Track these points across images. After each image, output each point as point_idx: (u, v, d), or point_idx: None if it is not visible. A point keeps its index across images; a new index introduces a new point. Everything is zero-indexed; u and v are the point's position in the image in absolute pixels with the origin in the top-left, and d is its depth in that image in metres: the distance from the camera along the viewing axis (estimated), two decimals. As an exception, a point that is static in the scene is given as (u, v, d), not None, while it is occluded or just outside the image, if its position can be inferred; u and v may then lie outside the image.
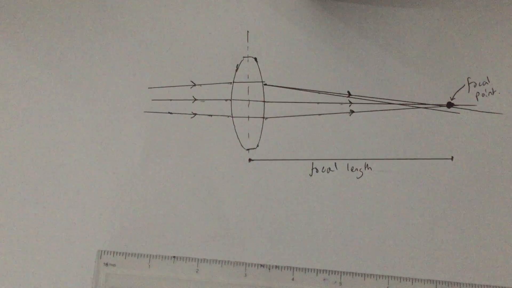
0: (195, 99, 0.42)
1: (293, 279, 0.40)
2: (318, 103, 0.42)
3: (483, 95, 0.42)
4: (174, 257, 0.41)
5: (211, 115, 0.42)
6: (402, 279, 0.40)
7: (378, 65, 0.42)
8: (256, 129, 0.42)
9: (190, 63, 0.42)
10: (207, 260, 0.41)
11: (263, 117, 0.42)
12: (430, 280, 0.40)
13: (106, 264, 0.41)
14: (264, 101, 0.42)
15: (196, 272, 0.41)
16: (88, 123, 0.42)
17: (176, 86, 0.42)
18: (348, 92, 0.42)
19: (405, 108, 0.42)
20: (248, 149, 0.42)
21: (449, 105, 0.42)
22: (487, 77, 0.42)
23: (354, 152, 0.42)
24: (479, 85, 0.42)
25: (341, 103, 0.42)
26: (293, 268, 0.41)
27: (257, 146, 0.42)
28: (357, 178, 0.42)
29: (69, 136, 0.42)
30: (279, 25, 0.42)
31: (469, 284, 0.40)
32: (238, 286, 0.40)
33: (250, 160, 0.42)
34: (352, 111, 0.42)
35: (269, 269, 0.41)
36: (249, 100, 0.42)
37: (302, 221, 0.41)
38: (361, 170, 0.42)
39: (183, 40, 0.43)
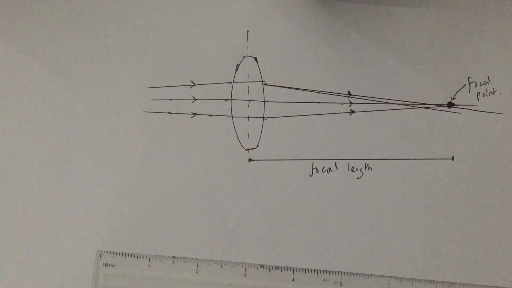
0: (195, 99, 0.42)
1: (293, 280, 0.40)
2: (318, 103, 0.42)
3: (483, 95, 0.42)
4: (174, 257, 0.41)
5: (211, 115, 0.42)
6: (402, 280, 0.40)
7: (378, 65, 0.42)
8: (256, 129, 0.42)
9: (190, 63, 0.42)
10: (207, 260, 0.41)
11: (263, 117, 0.42)
12: (431, 281, 0.40)
13: (106, 265, 0.40)
14: (264, 101, 0.42)
15: (196, 272, 0.40)
16: (88, 123, 0.42)
17: (176, 86, 0.42)
18: (348, 92, 0.42)
19: (406, 108, 0.42)
20: (248, 149, 0.42)
21: (450, 105, 0.42)
22: (488, 77, 0.42)
23: (355, 152, 0.42)
24: (480, 85, 0.42)
25: (341, 103, 0.42)
26: (293, 268, 0.41)
27: (257, 146, 0.42)
28: (358, 178, 0.42)
29: (69, 136, 0.42)
30: (279, 25, 0.42)
31: (469, 284, 0.40)
32: (238, 286, 0.40)
33: (250, 160, 0.42)
34: (352, 111, 0.42)
35: (269, 269, 0.41)
36: (249, 100, 0.42)
37: (302, 221, 0.41)
38: (361, 170, 0.42)
39: (183, 40, 0.43)
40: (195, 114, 0.42)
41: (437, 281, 0.40)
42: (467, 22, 0.42)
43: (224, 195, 0.42)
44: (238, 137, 0.42)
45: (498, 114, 0.42)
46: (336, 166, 0.42)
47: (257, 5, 0.43)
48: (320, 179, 0.42)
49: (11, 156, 0.42)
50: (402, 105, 0.42)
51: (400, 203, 0.41)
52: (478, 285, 0.40)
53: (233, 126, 0.42)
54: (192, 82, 0.42)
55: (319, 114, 0.42)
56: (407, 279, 0.40)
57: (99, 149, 0.42)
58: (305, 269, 0.40)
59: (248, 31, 0.42)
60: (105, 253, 0.41)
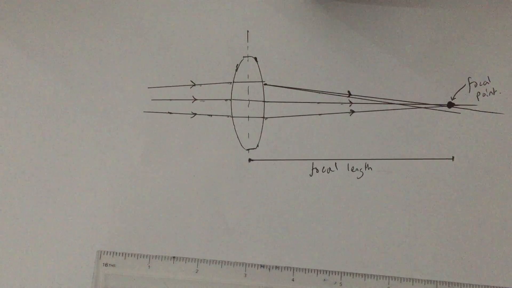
0: (195, 99, 0.42)
1: (293, 280, 0.40)
2: (318, 103, 0.42)
3: (483, 95, 0.42)
4: (173, 257, 0.41)
5: (211, 115, 0.42)
6: (402, 280, 0.40)
7: (378, 65, 0.42)
8: (256, 129, 0.42)
9: (190, 63, 0.42)
10: (206, 260, 0.41)
11: (263, 117, 0.42)
12: (431, 281, 0.40)
13: (106, 265, 0.40)
14: (264, 101, 0.42)
15: (196, 272, 0.40)
16: (88, 123, 0.42)
17: (176, 86, 0.42)
18: (349, 92, 0.42)
19: (406, 108, 0.42)
20: (248, 149, 0.42)
21: (450, 105, 0.42)
22: (488, 77, 0.42)
23: (355, 152, 0.42)
24: (480, 85, 0.42)
25: (341, 103, 0.42)
26: (293, 268, 0.41)
27: (257, 146, 0.42)
28: (358, 178, 0.42)
29: (69, 136, 0.42)
30: (279, 25, 0.42)
31: (469, 284, 0.40)
32: (238, 286, 0.40)
33: (250, 160, 0.42)
34: (352, 111, 0.42)
35: (269, 269, 0.41)
36: (249, 100, 0.42)
37: (302, 221, 0.41)
38: (361, 170, 0.42)
39: (183, 40, 0.43)
40: (195, 114, 0.42)
41: (437, 281, 0.40)
42: (467, 22, 0.42)
43: (224, 195, 0.42)
44: (238, 137, 0.42)
45: (498, 114, 0.42)
46: (336, 166, 0.42)
47: (257, 5, 0.42)
48: (320, 179, 0.42)
49: (10, 156, 0.42)
50: (402, 105, 0.42)
51: (399, 203, 0.41)
52: (478, 285, 0.40)
53: (233, 126, 0.42)
54: (192, 82, 0.42)
55: (319, 114, 0.42)
56: (407, 279, 0.40)
57: (99, 149, 0.42)
58: (305, 269, 0.40)
59: (248, 31, 0.42)
60: (105, 253, 0.41)
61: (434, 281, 0.40)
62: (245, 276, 0.40)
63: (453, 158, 0.41)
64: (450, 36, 0.42)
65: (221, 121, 0.42)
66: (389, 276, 0.40)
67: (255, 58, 0.42)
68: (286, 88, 0.42)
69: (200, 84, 0.42)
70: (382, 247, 0.41)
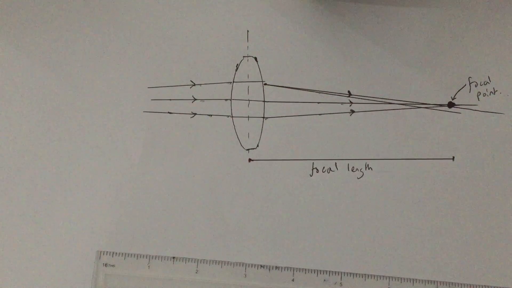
0: (195, 99, 0.42)
1: (293, 280, 0.40)
2: (318, 103, 0.42)
3: (484, 94, 0.42)
4: (173, 257, 0.41)
5: (211, 115, 0.42)
6: (402, 280, 0.40)
7: (378, 65, 0.42)
8: (256, 129, 0.42)
9: (190, 63, 0.42)
10: (206, 260, 0.41)
11: (263, 117, 0.42)
12: (431, 281, 0.40)
13: (106, 265, 0.40)
14: (264, 101, 0.42)
15: (196, 272, 0.40)
16: (88, 123, 0.42)
17: (175, 85, 0.42)
18: (349, 92, 0.42)
19: (406, 108, 0.42)
20: (248, 149, 0.42)
21: (450, 105, 0.42)
22: (488, 76, 0.42)
23: (355, 152, 0.42)
24: (480, 85, 0.42)
25: (342, 103, 0.42)
26: (293, 268, 0.41)
27: (257, 146, 0.42)
28: (358, 178, 0.41)
29: (69, 136, 0.42)
30: (279, 25, 0.42)
31: (469, 285, 0.40)
32: (238, 287, 0.40)
33: (250, 160, 0.42)
34: (352, 111, 0.42)
35: (269, 269, 0.41)
36: (249, 100, 0.42)
37: (302, 221, 0.41)
38: (361, 170, 0.42)
39: (183, 40, 0.43)
40: (195, 114, 0.42)
41: (437, 281, 0.40)
42: (467, 22, 0.42)
43: (224, 195, 0.42)
44: (238, 137, 0.42)
45: (498, 114, 0.41)
46: (336, 166, 0.42)
47: (257, 5, 0.42)
48: (320, 179, 0.42)
49: (11, 156, 0.42)
50: (402, 105, 0.42)
51: (400, 203, 0.41)
52: (478, 285, 0.40)
53: (233, 126, 0.42)
54: (192, 82, 0.42)
55: (319, 114, 0.42)
56: (407, 279, 0.40)
57: (99, 149, 0.42)
58: (305, 269, 0.40)
59: (248, 31, 0.42)
60: (105, 253, 0.41)
61: (434, 281, 0.40)
62: (245, 276, 0.40)
63: (453, 158, 0.41)
64: (450, 36, 0.42)
65: (221, 121, 0.42)
66: (389, 276, 0.40)
67: (255, 58, 0.42)
68: (286, 88, 0.42)
69: (200, 84, 0.42)
70: (382, 247, 0.41)
